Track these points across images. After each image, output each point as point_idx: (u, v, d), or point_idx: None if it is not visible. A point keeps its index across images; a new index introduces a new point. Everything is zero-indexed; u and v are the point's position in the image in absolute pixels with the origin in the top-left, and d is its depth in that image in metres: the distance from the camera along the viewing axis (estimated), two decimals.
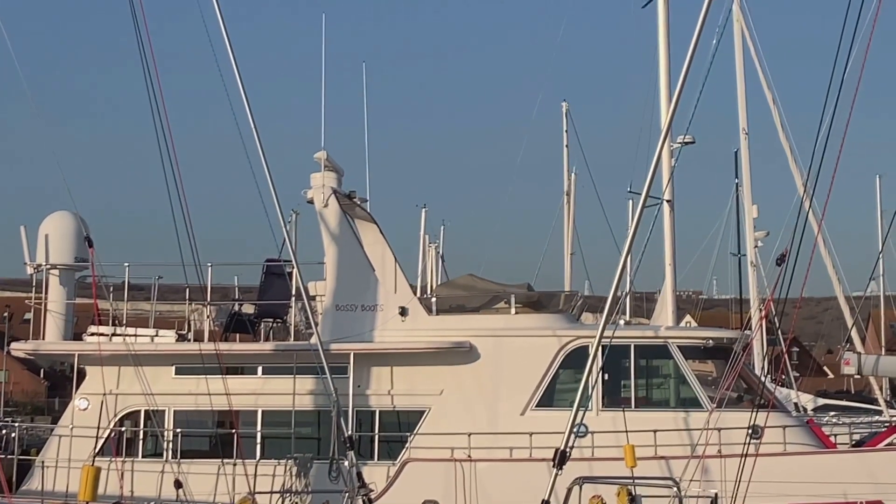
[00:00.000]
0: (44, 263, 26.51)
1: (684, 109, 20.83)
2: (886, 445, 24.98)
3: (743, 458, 14.35)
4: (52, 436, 25.72)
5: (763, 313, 34.97)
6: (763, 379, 29.06)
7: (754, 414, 19.79)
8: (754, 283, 39.38)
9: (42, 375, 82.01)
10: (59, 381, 74.13)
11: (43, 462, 24.62)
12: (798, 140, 36.41)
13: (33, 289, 27.06)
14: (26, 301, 28.73)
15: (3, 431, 26.70)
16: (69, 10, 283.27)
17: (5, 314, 70.29)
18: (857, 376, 38.42)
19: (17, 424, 27.69)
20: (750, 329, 32.75)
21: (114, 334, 26.13)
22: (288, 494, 19.50)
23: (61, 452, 24.29)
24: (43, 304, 26.74)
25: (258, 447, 24.56)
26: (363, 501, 19.85)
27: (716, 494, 14.88)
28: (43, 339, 26.61)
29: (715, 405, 22.75)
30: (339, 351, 24.18)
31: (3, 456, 24.43)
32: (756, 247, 39.67)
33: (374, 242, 25.76)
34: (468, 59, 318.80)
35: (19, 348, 28.05)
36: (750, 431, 16.42)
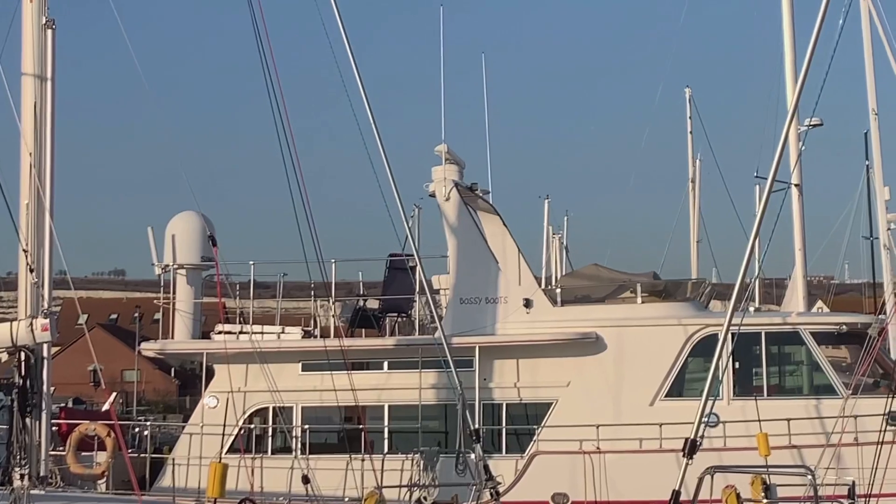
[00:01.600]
0: (171, 264, 26.90)
1: (811, 91, 20.36)
2: None
3: (880, 446, 14.10)
4: (182, 434, 26.11)
5: None
6: None
7: (891, 400, 19.46)
8: (888, 267, 38.72)
9: (173, 374, 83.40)
10: (190, 380, 75.29)
11: (174, 460, 24.98)
12: None
13: (161, 289, 27.47)
14: (155, 301, 29.22)
15: (136, 430, 27.18)
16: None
17: (136, 315, 71.64)
18: None
19: (149, 423, 28.19)
20: (885, 313, 32.16)
21: (241, 332, 26.39)
22: (415, 488, 19.53)
23: (192, 450, 24.64)
24: (171, 304, 27.14)
25: (385, 442, 24.69)
26: (491, 495, 19.85)
27: (853, 483, 14.66)
28: (172, 338, 27.05)
29: (850, 392, 22.42)
30: (463, 344, 24.20)
31: (136, 454, 24.85)
32: (889, 229, 38.95)
33: (497, 234, 25.73)
34: (586, 47, 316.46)
35: (149, 348, 28.52)
36: (887, 418, 16.15)
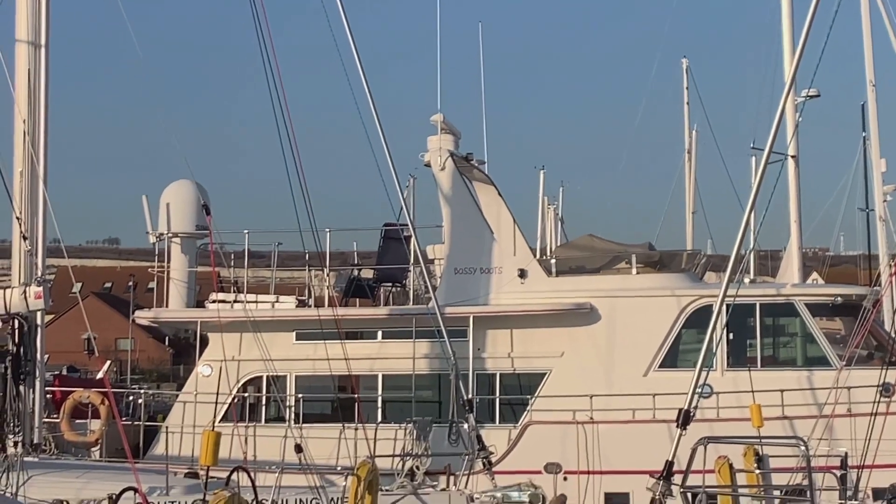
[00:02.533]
0: (165, 232, 26.88)
1: (808, 62, 20.35)
2: None
3: (873, 417, 14.16)
4: (176, 402, 26.16)
5: (893, 269, 34.38)
6: (894, 336, 28.66)
7: (885, 371, 19.54)
8: (883, 239, 38.76)
9: (167, 343, 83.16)
10: (184, 349, 75.22)
11: (168, 428, 25.03)
12: None
13: (156, 258, 27.49)
14: (149, 270, 29.23)
15: (130, 398, 27.20)
16: None
17: (130, 283, 71.52)
18: None
19: (143, 391, 28.23)
20: (879, 285, 32.24)
21: (235, 301, 26.45)
22: (408, 458, 19.60)
23: (185, 418, 24.69)
24: (166, 273, 27.13)
25: (378, 411, 24.73)
26: (483, 464, 19.95)
27: (845, 454, 14.73)
28: (166, 307, 27.06)
29: (844, 363, 22.46)
30: (457, 314, 24.24)
31: (130, 422, 24.90)
32: (885, 201, 39.05)
33: (492, 204, 25.70)
34: (584, 21, 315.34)
35: (143, 316, 28.57)
36: (881, 389, 16.19)
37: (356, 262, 29.58)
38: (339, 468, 18.52)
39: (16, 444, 18.84)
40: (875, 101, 38.57)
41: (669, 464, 12.95)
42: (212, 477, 13.16)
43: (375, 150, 21.41)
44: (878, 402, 15.80)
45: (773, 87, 31.08)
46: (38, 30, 19.64)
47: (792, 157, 31.06)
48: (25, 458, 17.89)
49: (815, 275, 43.93)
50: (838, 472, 13.34)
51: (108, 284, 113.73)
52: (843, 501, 12.90)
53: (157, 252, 27.45)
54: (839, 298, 25.48)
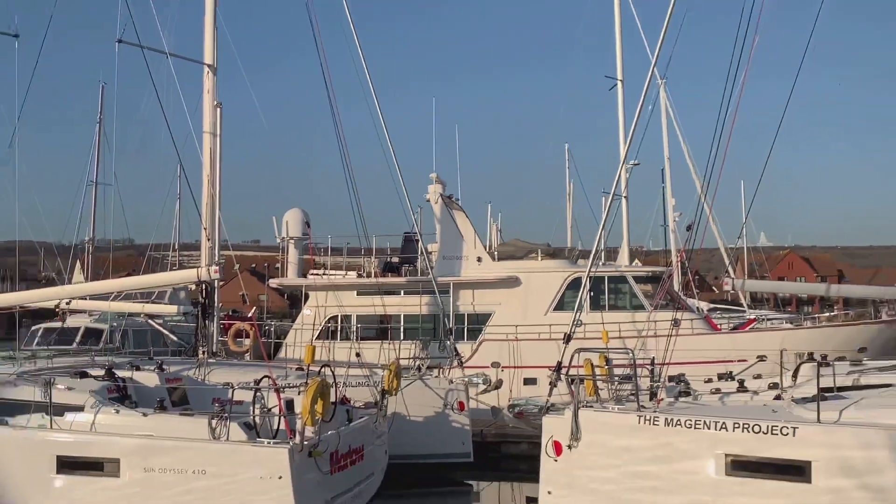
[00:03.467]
0: (286, 236, 26.76)
1: (636, 143, 20.33)
2: (748, 330, 24.64)
3: (668, 337, 14.05)
4: (291, 329, 26.02)
5: (678, 258, 34.40)
6: (679, 293, 28.64)
7: (675, 312, 19.53)
8: (674, 241, 38.87)
9: (286, 297, 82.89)
10: (296, 300, 74.89)
11: (286, 344, 24.89)
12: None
13: (280, 251, 27.37)
14: (277, 257, 29.03)
15: (266, 328, 27.05)
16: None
17: (266, 265, 71.19)
18: (731, 291, 37.67)
19: (273, 323, 28.09)
20: (671, 266, 32.29)
21: (324, 274, 26.34)
22: (417, 360, 19.51)
23: (296, 338, 24.56)
24: (284, 259, 27.02)
25: (401, 334, 24.64)
26: (458, 362, 19.85)
27: (653, 358, 14.68)
28: (286, 277, 26.92)
29: (653, 308, 22.43)
30: (444, 282, 24.13)
31: (266, 340, 24.77)
32: (675, 220, 39.10)
33: (463, 222, 25.63)
34: (498, 109, 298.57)
35: (274, 282, 28.41)
36: (672, 322, 16.19)
37: (389, 253, 29.39)
38: (380, 365, 18.47)
39: (203, 352, 18.79)
40: (668, 168, 38.72)
41: (559, 363, 12.84)
42: (311, 370, 13.10)
43: (399, 194, 21.32)
44: (671, 329, 15.72)
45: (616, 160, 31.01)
46: (215, 125, 19.51)
47: (625, 197, 31.08)
48: (208, 360, 17.82)
49: (636, 261, 43.84)
50: (649, 367, 13.28)
51: (254, 265, 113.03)
52: (652, 383, 12.84)
53: (281, 248, 27.29)
54: (650, 273, 25.54)
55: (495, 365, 20.76)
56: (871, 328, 23.11)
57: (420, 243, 24.60)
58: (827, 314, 30.19)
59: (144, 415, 12.48)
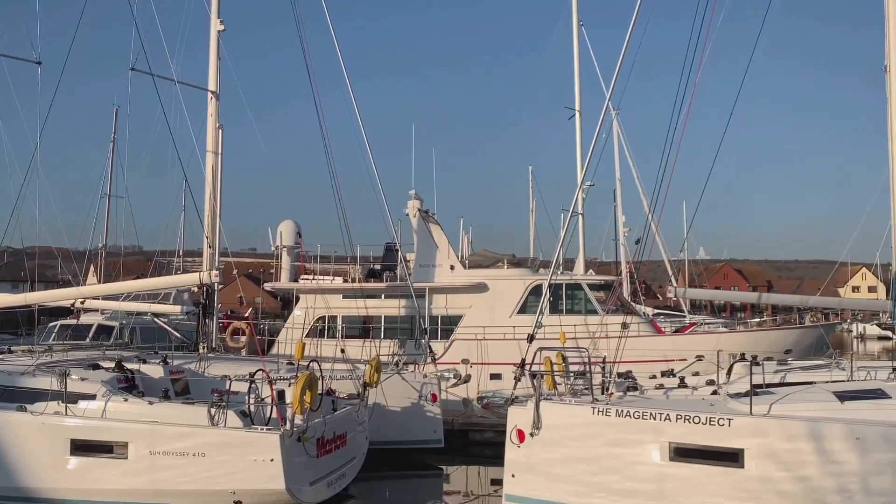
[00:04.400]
0: (280, 245, 26.61)
1: (591, 167, 20.49)
2: (688, 333, 24.84)
3: (619, 339, 14.10)
4: (283, 328, 25.83)
5: (628, 268, 34.63)
6: (628, 300, 28.79)
7: (625, 316, 19.62)
8: (624, 254, 39.14)
9: (279, 299, 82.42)
10: (288, 302, 74.44)
11: (279, 341, 24.71)
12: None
13: (274, 258, 27.20)
14: (271, 263, 28.83)
15: (260, 326, 26.84)
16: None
17: (261, 270, 70.71)
18: (674, 298, 37.99)
19: (267, 322, 27.90)
20: (621, 275, 32.49)
21: (313, 279, 26.18)
22: (395, 356, 19.45)
23: (288, 336, 24.37)
24: (278, 265, 26.86)
25: (381, 332, 24.54)
26: (432, 359, 19.80)
27: (605, 356, 14.72)
28: (279, 281, 26.75)
29: (605, 312, 22.51)
30: (420, 286, 24.06)
31: (260, 337, 24.58)
32: (625, 235, 39.39)
33: (438, 234, 25.62)
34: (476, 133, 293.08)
35: (268, 285, 28.21)
36: (622, 325, 16.26)
37: (372, 261, 29.30)
38: (362, 360, 18.40)
39: (203, 347, 18.63)
40: (619, 188, 39.07)
41: (523, 360, 12.85)
42: (300, 364, 13.02)
43: (382, 209, 21.26)
44: (621, 331, 15.79)
45: (574, 181, 31.07)
46: (217, 144, 19.40)
47: (581, 214, 31.22)
48: (208, 355, 17.67)
49: (591, 270, 44.02)
50: (602, 365, 13.30)
51: (251, 270, 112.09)
52: (604, 379, 12.85)
53: (275, 255, 27.12)
54: (603, 281, 25.65)
55: (465, 361, 20.74)
56: (796, 332, 23.40)
57: (399, 252, 24.57)
58: (757, 319, 30.50)
59: (150, 403, 12.49)
